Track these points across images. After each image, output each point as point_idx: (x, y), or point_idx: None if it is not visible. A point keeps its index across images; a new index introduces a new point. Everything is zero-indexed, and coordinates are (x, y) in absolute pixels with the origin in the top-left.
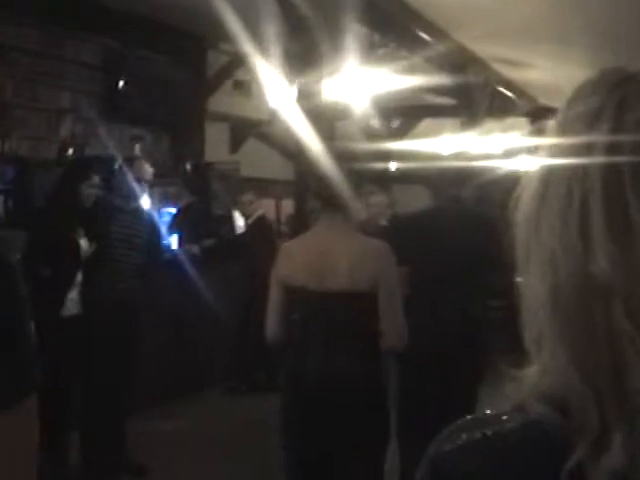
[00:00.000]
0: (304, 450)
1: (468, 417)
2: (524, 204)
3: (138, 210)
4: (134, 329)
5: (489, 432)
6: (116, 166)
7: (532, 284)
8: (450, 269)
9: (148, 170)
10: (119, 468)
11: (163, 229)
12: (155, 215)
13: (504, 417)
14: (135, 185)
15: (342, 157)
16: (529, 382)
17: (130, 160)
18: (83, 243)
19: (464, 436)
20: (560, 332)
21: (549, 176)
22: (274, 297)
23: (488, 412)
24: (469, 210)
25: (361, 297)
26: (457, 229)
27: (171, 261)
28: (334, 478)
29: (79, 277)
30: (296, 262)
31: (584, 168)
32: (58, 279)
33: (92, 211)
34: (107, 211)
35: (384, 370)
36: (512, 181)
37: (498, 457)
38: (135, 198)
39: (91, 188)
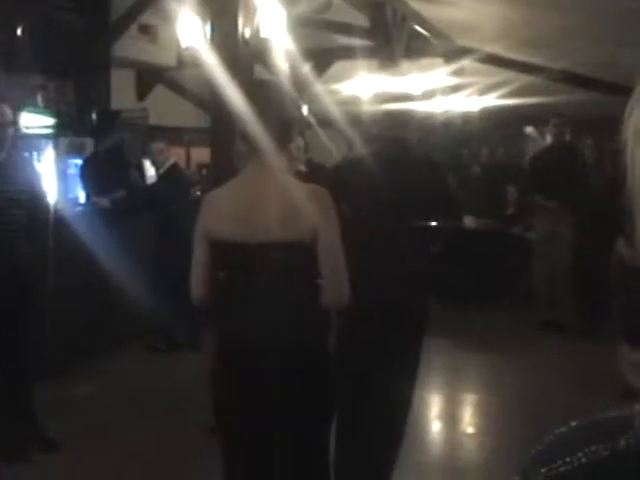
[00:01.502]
0: (239, 429)
1: (575, 423)
2: None
3: (9, 162)
4: (27, 293)
5: (619, 445)
6: None
7: None
8: (394, 214)
9: (6, 113)
10: (28, 443)
11: (49, 182)
12: (33, 167)
13: (636, 422)
14: None
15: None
16: None
17: None
18: None
19: (577, 456)
20: None
21: None
22: (198, 253)
23: (607, 414)
24: (413, 153)
25: (297, 248)
26: (401, 172)
27: (80, 215)
28: (274, 458)
29: None
30: (222, 212)
31: None
32: None
33: None
34: None
35: (326, 329)
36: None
37: None
38: None
39: None
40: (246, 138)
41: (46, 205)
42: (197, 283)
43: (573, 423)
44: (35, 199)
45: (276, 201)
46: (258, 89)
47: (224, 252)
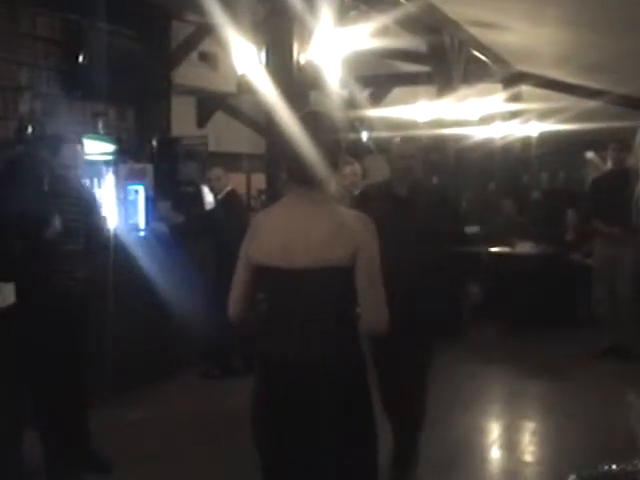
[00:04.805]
0: (277, 453)
1: (574, 477)
2: None
3: (72, 192)
4: (80, 317)
5: None
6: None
7: None
8: None
9: (81, 154)
10: (84, 465)
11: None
12: (92, 196)
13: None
14: (67, 169)
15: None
16: None
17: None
18: None
19: None
20: None
21: None
22: (240, 274)
23: (609, 468)
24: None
25: (337, 273)
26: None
27: (139, 241)
28: None
29: None
30: (264, 237)
31: None
32: None
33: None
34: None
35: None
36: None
37: None
38: (66, 181)
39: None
40: (289, 163)
41: (104, 232)
42: (234, 301)
43: (572, 476)
44: (93, 226)
45: (315, 227)
46: (304, 117)
47: (265, 276)
